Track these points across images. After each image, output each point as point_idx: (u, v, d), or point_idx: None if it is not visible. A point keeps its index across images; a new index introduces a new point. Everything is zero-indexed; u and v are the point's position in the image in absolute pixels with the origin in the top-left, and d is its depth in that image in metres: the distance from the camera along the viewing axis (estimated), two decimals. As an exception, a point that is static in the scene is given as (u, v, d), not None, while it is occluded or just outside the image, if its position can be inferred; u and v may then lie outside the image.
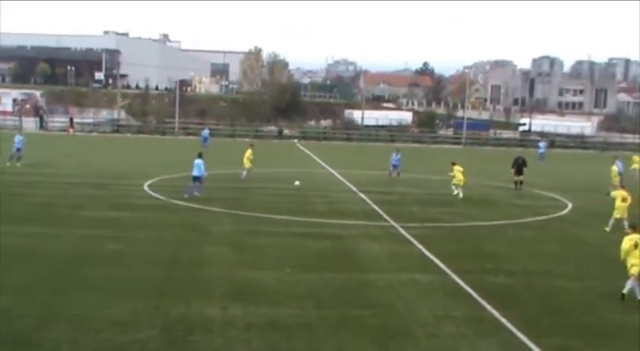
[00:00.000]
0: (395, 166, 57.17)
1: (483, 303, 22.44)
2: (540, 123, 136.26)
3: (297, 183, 42.08)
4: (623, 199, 35.18)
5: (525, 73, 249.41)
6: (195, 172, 41.02)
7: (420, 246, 30.40)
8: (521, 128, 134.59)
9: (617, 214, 35.08)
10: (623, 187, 37.83)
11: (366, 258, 28.31)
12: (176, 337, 18.38)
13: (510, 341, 19.24)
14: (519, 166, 51.95)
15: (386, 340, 18.86)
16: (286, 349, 17.97)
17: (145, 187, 44.26)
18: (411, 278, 25.26)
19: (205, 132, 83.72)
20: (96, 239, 29.25)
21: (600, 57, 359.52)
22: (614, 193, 36.79)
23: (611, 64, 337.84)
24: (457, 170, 45.98)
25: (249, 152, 51.88)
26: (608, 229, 34.93)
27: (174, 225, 33.01)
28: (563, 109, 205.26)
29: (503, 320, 20.76)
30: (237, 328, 19.26)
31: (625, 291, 23.62)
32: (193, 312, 20.39)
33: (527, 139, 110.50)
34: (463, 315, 21.27)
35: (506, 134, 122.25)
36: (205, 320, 19.70)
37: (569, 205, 43.76)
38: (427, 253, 29.04)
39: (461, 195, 44.94)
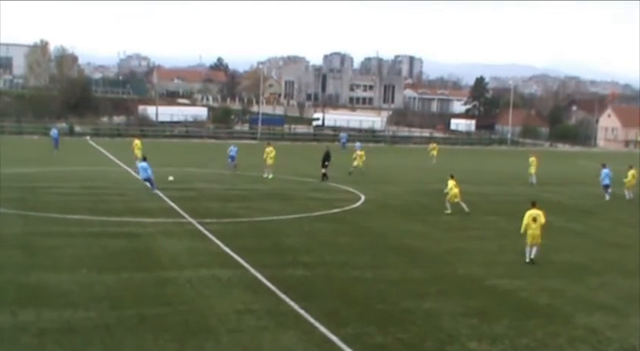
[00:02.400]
0: (232, 158, 59.67)
1: (283, 296, 22.69)
2: (333, 117, 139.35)
3: (170, 178, 41.01)
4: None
5: (317, 69, 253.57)
6: None
7: (218, 242, 30.38)
8: (315, 123, 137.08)
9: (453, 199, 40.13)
10: (452, 175, 40.79)
11: (163, 256, 28.01)
12: (-35, 345, 17.55)
13: (310, 332, 19.55)
14: (324, 158, 53.98)
15: (187, 337, 18.73)
16: (84, 352, 17.50)
17: None
18: (210, 274, 25.20)
19: None
20: None
21: (387, 54, 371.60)
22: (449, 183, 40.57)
23: (397, 61, 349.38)
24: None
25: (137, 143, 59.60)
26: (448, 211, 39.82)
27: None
28: (355, 104, 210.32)
29: (303, 312, 21.08)
30: (30, 333, 18.57)
31: (532, 256, 28.83)
32: (-17, 318, 19.52)
33: (321, 134, 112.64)
34: (264, 308, 21.43)
35: (301, 129, 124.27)
36: (-4, 327, 18.92)
37: (362, 198, 44.92)
38: (226, 249, 29.06)
39: None
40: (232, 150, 60.16)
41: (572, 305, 23.43)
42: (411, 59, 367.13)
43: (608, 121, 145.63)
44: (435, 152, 74.42)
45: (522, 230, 29.46)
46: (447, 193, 40.50)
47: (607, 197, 51.32)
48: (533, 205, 29.96)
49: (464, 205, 39.93)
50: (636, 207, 47.86)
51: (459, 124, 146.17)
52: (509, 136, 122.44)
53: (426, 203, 44.86)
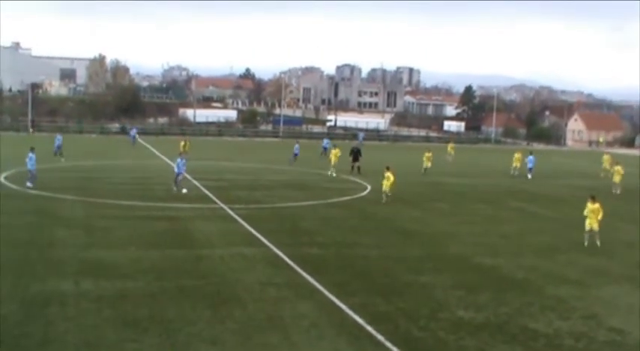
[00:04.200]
0: (295, 155, 60.73)
1: (300, 271, 22.75)
2: (344, 119, 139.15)
3: (184, 191, 38.14)
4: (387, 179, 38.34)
5: (331, 78, 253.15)
6: (28, 165, 39.49)
7: (245, 224, 30.44)
8: (328, 124, 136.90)
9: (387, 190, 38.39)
10: (387, 167, 39.43)
11: (199, 236, 28.11)
12: (33, 310, 17.67)
13: (323, 301, 19.61)
14: (355, 154, 54.09)
15: (218, 304, 18.82)
16: (133, 316, 17.59)
17: (2, 179, 42.15)
18: (238, 252, 25.28)
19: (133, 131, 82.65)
20: (-43, 226, 27.67)
21: (390, 65, 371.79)
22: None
23: (399, 71, 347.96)
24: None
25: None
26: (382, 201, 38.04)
27: (30, 211, 31.68)
28: (362, 108, 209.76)
29: (317, 284, 21.13)
30: (89, 299, 18.73)
31: (594, 241, 28.83)
32: (49, 288, 19.66)
33: (334, 133, 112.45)
34: (283, 281, 21.51)
35: (317, 129, 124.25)
36: (60, 294, 19.04)
37: (369, 188, 44.90)
38: (252, 230, 29.11)
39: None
40: (296, 148, 60.88)
41: (543, 279, 23.42)
42: (411, 70, 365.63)
43: (575, 125, 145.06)
44: (452, 151, 72.84)
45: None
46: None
47: (529, 176, 56.45)
48: (593, 199, 29.78)
49: (384, 196, 38.49)
50: (599, 196, 47.57)
51: (450, 126, 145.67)
52: (493, 136, 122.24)
53: (423, 192, 44.82)
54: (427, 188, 46.95)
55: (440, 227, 32.71)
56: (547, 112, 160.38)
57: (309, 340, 16.66)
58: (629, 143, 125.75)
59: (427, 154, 57.43)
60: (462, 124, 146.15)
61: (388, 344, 16.43)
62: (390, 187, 38.18)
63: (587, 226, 29.18)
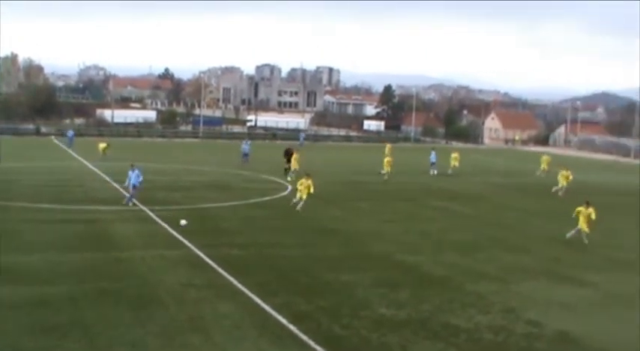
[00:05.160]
0: (246, 155, 60.19)
1: (221, 271, 22.66)
2: (264, 119, 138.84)
3: (183, 222, 30.43)
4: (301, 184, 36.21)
5: (251, 78, 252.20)
6: None
7: (165, 226, 30.14)
8: (248, 124, 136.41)
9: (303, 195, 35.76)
10: (308, 174, 38.69)
11: (120, 238, 27.71)
12: (-54, 317, 17.11)
13: (245, 302, 19.58)
14: (289, 155, 53.05)
15: (140, 307, 18.60)
16: (53, 322, 17.22)
17: None
18: (159, 254, 25.01)
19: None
20: None
21: (310, 65, 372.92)
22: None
23: (318, 71, 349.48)
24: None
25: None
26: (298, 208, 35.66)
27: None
28: (282, 107, 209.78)
29: (239, 285, 21.07)
30: (6, 307, 18.24)
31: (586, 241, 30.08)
32: (-38, 294, 19.07)
33: (254, 133, 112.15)
34: (205, 283, 21.39)
35: (237, 129, 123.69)
36: (-26, 301, 18.50)
37: (289, 187, 44.94)
38: (172, 232, 28.85)
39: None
40: (244, 148, 60.49)
41: (463, 276, 23.88)
42: (330, 70, 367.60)
43: (491, 123, 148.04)
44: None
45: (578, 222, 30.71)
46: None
47: (433, 172, 57.93)
48: (587, 204, 30.99)
49: (297, 204, 36.14)
50: (518, 193, 48.85)
51: (370, 125, 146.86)
52: (412, 135, 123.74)
53: (343, 192, 45.12)
54: (348, 187, 47.30)
55: (361, 226, 32.98)
56: (465, 111, 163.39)
57: (231, 340, 16.61)
58: (543, 141, 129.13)
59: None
60: (382, 124, 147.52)
61: (311, 343, 16.51)
62: (308, 193, 36.09)
63: (578, 226, 30.65)
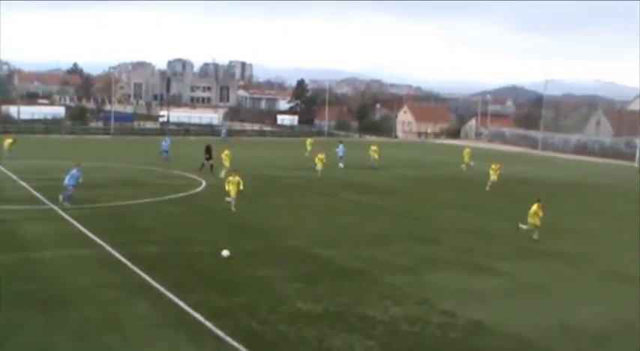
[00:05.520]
0: (166, 152, 58.83)
1: (136, 270, 22.34)
2: (177, 115, 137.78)
3: (225, 253, 25.58)
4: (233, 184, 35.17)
5: (163, 73, 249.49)
6: None
7: (78, 225, 29.50)
8: (161, 119, 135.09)
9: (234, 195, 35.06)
10: (235, 170, 38.45)
11: (30, 239, 26.99)
12: None
13: (161, 300, 19.37)
14: (209, 151, 52.44)
15: (52, 309, 18.18)
16: (-42, 326, 16.68)
17: None
18: (71, 253, 24.49)
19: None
20: None
21: (222, 60, 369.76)
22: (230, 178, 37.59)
23: (231, 66, 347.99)
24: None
25: None
26: (232, 208, 35.68)
27: None
28: (195, 103, 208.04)
29: (154, 283, 20.82)
30: None
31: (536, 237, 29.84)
32: None
33: (167, 129, 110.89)
34: (120, 282, 21.06)
35: (149, 125, 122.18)
36: None
37: (203, 183, 44.64)
38: (85, 231, 28.26)
39: None
40: (164, 144, 59.75)
41: (379, 268, 24.16)
42: (243, 64, 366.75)
43: (404, 117, 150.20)
44: (309, 146, 68.12)
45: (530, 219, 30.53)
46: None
47: (340, 166, 58.69)
48: (539, 201, 30.87)
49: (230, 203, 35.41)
50: (431, 186, 49.69)
51: (284, 120, 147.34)
52: (326, 129, 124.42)
53: (259, 187, 44.98)
54: (263, 183, 47.20)
55: (276, 221, 33.00)
56: (378, 105, 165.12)
57: (148, 339, 16.41)
58: (455, 134, 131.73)
59: (467, 150, 63.94)
60: (296, 118, 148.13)
61: (229, 339, 16.46)
62: (238, 190, 35.27)
63: (531, 222, 30.51)
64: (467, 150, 65.34)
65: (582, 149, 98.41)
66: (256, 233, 29.78)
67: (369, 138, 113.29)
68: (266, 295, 20.19)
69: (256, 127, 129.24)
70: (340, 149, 60.90)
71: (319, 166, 52.36)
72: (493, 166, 48.78)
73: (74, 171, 35.14)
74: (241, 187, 35.30)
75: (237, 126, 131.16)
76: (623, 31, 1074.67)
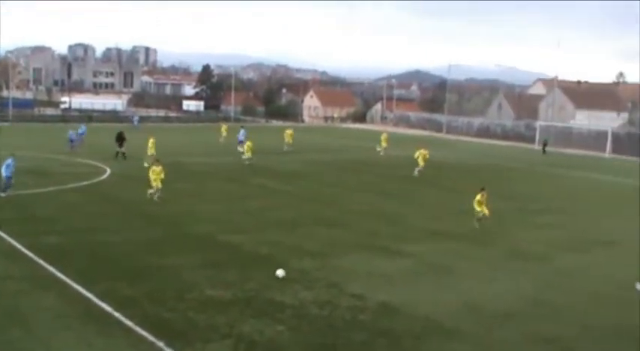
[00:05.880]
0: (72, 141, 56.73)
1: (40, 261, 21.81)
2: (79, 101, 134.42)
3: (280, 273, 21.62)
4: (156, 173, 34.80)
5: (63, 58, 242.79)
6: None
7: (-23, 216, 28.57)
8: (62, 106, 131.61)
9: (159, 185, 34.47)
10: (157, 159, 38.07)
11: None
12: None
13: (66, 291, 19.01)
14: (121, 139, 51.47)
15: (-49, 304, 17.62)
16: None
17: None
18: (-30, 246, 23.72)
19: None
20: None
21: (126, 45, 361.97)
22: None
23: (135, 51, 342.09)
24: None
25: None
26: (155, 199, 35.31)
27: None
28: (98, 88, 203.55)
29: (59, 274, 20.40)
30: None
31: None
32: None
33: (69, 116, 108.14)
34: (22, 274, 20.57)
35: (50, 111, 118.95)
36: None
37: (108, 171, 43.83)
38: (-16, 222, 27.39)
39: None
40: (70, 134, 57.92)
41: (286, 253, 24.30)
42: (147, 49, 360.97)
43: (311, 101, 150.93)
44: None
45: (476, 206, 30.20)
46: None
47: (240, 149, 56.94)
48: (483, 190, 30.53)
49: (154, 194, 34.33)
50: (337, 170, 50.09)
51: (189, 105, 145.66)
52: (232, 114, 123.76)
53: (165, 174, 44.30)
54: (169, 169, 46.50)
55: (183, 207, 32.70)
56: (284, 90, 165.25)
57: (54, 332, 16.09)
58: (361, 118, 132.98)
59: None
60: (202, 104, 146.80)
61: (137, 329, 16.30)
62: (161, 180, 34.20)
63: (479, 213, 30.25)
64: (384, 135, 66.24)
65: (485, 132, 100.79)
66: (162, 220, 29.46)
67: (275, 123, 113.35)
68: (174, 283, 20.05)
69: (162, 113, 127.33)
70: (241, 134, 60.85)
71: (248, 154, 51.29)
72: (422, 151, 48.18)
73: (9, 161, 34.09)
74: (162, 177, 34.22)
75: (143, 112, 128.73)
76: (524, 17, 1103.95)
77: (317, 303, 18.79)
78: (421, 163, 47.86)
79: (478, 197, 30.43)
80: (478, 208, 30.31)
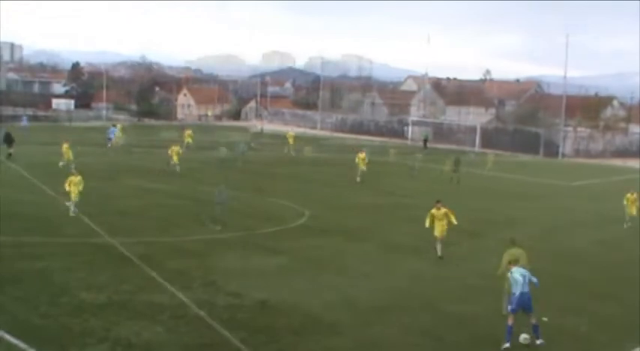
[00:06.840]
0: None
1: None
2: None
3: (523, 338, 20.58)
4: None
5: None
6: None
7: None
8: None
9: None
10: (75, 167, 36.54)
11: None
12: None
13: None
14: (9, 140, 50.30)
15: None
16: None
17: None
18: None
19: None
20: None
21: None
22: None
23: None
24: None
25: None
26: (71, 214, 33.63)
27: None
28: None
29: None
30: None
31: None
32: None
33: None
34: None
35: None
36: None
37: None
38: None
39: None
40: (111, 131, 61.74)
41: (163, 253, 24.04)
42: (12, 45, 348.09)
43: (184, 99, 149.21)
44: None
45: (428, 225, 25.34)
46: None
47: (109, 145, 59.42)
48: (438, 202, 25.46)
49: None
50: (211, 168, 49.69)
51: (59, 104, 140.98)
52: (104, 113, 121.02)
53: (36, 175, 42.73)
54: (40, 170, 45.05)
55: (53, 209, 31.47)
56: (157, 88, 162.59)
57: None
58: (236, 116, 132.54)
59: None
60: (72, 102, 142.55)
61: (8, 337, 15.66)
62: (79, 192, 30.42)
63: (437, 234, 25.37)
64: (290, 133, 67.19)
65: (359, 128, 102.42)
66: (30, 222, 28.37)
67: (147, 121, 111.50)
68: (46, 287, 19.42)
69: (30, 111, 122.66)
70: (111, 131, 61.13)
71: (175, 160, 47.15)
72: (360, 155, 46.69)
73: None
74: (80, 188, 30.59)
75: (10, 111, 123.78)
76: (395, 14, 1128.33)
77: (195, 303, 18.60)
78: (362, 166, 46.10)
79: (434, 212, 25.46)
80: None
